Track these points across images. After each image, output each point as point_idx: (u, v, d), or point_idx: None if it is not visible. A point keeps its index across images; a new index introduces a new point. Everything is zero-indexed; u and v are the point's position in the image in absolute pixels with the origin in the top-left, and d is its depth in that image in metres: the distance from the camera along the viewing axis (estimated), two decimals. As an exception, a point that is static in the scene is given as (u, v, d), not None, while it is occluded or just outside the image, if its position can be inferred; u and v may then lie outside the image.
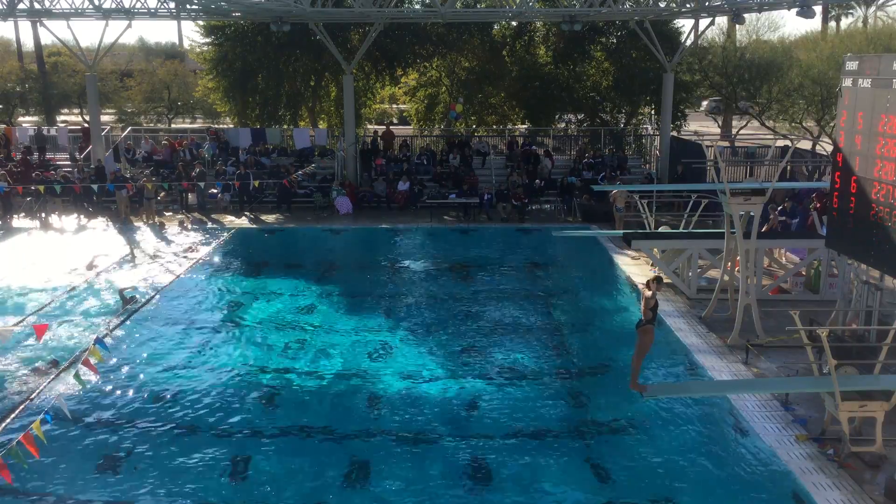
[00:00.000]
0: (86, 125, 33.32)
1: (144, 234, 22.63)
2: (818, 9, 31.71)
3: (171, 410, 11.56)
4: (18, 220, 23.88)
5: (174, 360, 13.45)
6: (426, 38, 30.26)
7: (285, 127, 31.45)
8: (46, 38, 42.94)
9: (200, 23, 30.49)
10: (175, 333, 14.82)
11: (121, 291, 16.40)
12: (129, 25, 25.61)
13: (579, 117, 33.62)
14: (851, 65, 10.95)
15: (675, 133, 29.60)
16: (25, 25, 43.86)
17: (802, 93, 31.60)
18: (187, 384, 12.44)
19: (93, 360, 9.21)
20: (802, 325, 9.80)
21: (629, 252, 18.78)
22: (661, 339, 13.01)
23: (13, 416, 11.02)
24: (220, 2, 22.60)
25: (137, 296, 16.52)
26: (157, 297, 16.78)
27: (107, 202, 24.77)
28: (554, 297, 17.43)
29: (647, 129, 33.20)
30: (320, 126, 33.01)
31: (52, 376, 12.34)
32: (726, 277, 14.78)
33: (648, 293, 9.74)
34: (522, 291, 17.81)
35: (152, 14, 24.74)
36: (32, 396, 11.67)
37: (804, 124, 33.43)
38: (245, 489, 9.54)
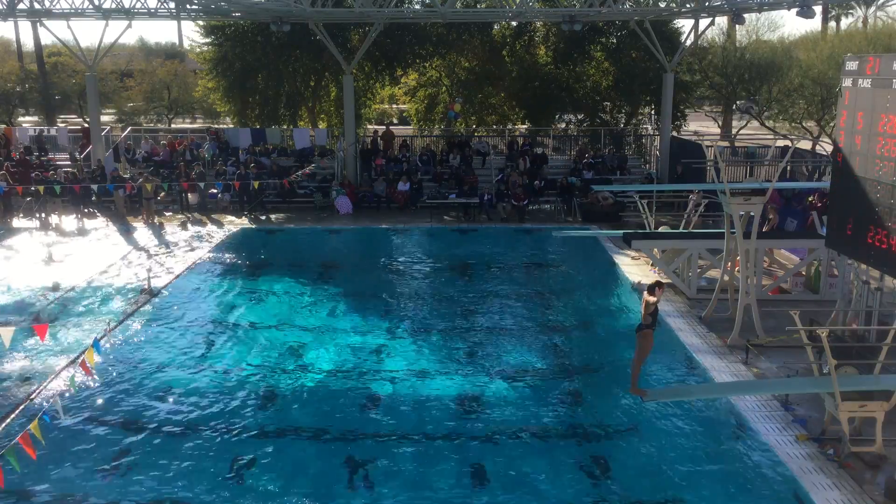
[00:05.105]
0: (86, 125, 33.33)
1: (144, 234, 22.62)
2: (818, 9, 31.69)
3: (170, 410, 11.55)
4: (18, 221, 23.90)
5: (173, 361, 13.43)
6: (426, 39, 30.27)
7: (285, 127, 31.44)
8: (46, 38, 43.02)
9: (200, 23, 30.50)
10: (175, 333, 14.81)
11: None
12: (129, 25, 25.61)
13: (579, 117, 33.63)
14: (851, 65, 10.93)
15: (675, 133, 29.60)
16: (25, 25, 43.94)
17: (802, 93, 31.65)
18: (187, 384, 12.43)
19: (89, 363, 9.19)
20: (802, 325, 9.77)
21: (629, 252, 18.76)
22: (662, 339, 12.98)
23: (12, 416, 11.01)
24: (220, 2, 22.60)
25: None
26: (157, 297, 16.77)
27: (107, 202, 24.78)
28: (554, 297, 17.42)
29: (647, 129, 33.20)
30: (320, 126, 33.01)
31: (51, 377, 12.33)
32: (726, 277, 14.77)
33: (652, 299, 9.72)
34: (522, 291, 17.80)
35: (152, 14, 24.74)
36: (32, 396, 11.66)
37: (804, 124, 33.44)
38: (244, 489, 9.53)
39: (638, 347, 10.06)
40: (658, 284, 9.97)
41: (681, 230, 18.23)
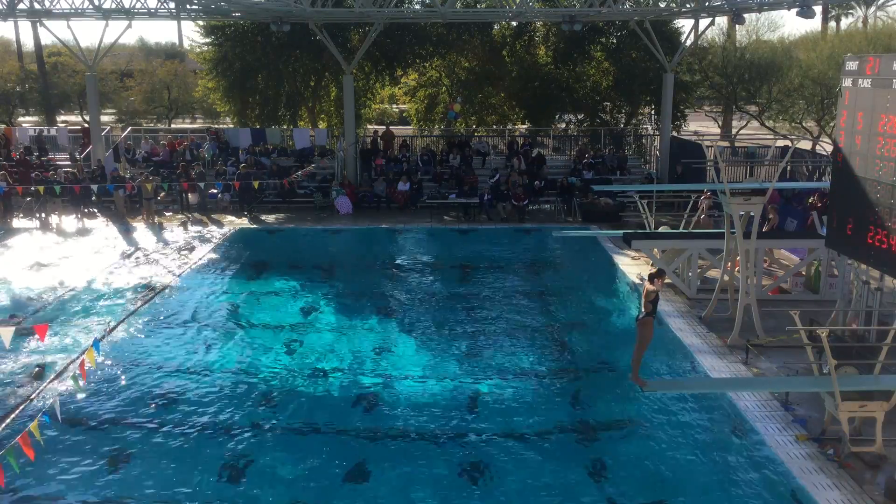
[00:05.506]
0: (86, 125, 33.33)
1: (144, 234, 22.61)
2: (818, 9, 31.68)
3: (170, 411, 11.54)
4: (18, 221, 23.89)
5: (174, 361, 13.43)
6: (426, 39, 30.26)
7: (285, 127, 31.44)
8: (46, 38, 43.07)
9: (200, 23, 30.50)
10: (175, 333, 14.81)
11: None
12: (129, 25, 25.60)
13: (579, 117, 33.62)
14: (851, 65, 10.93)
15: (675, 133, 29.60)
16: (25, 25, 43.99)
17: (802, 93, 31.63)
18: (187, 384, 12.43)
19: (89, 363, 9.19)
20: (802, 325, 9.78)
21: (629, 252, 18.76)
22: (661, 339, 13.00)
23: (12, 417, 11.00)
24: (220, 2, 22.59)
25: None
26: (158, 297, 16.77)
27: (107, 202, 24.78)
28: (554, 297, 17.42)
29: (647, 129, 33.20)
30: (320, 126, 33.00)
31: (51, 377, 12.33)
32: (726, 277, 14.77)
33: (652, 287, 9.76)
34: (522, 291, 17.80)
35: (152, 14, 24.74)
36: (32, 397, 11.66)
37: (804, 124, 33.43)
38: (244, 489, 9.53)
39: (639, 336, 10.07)
40: (659, 273, 10.01)
41: (681, 230, 18.22)
